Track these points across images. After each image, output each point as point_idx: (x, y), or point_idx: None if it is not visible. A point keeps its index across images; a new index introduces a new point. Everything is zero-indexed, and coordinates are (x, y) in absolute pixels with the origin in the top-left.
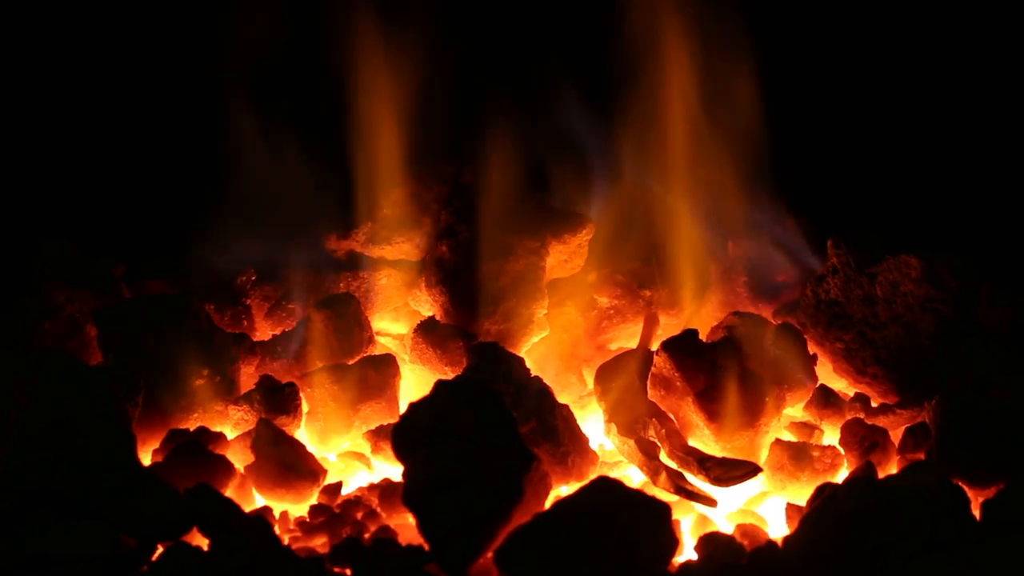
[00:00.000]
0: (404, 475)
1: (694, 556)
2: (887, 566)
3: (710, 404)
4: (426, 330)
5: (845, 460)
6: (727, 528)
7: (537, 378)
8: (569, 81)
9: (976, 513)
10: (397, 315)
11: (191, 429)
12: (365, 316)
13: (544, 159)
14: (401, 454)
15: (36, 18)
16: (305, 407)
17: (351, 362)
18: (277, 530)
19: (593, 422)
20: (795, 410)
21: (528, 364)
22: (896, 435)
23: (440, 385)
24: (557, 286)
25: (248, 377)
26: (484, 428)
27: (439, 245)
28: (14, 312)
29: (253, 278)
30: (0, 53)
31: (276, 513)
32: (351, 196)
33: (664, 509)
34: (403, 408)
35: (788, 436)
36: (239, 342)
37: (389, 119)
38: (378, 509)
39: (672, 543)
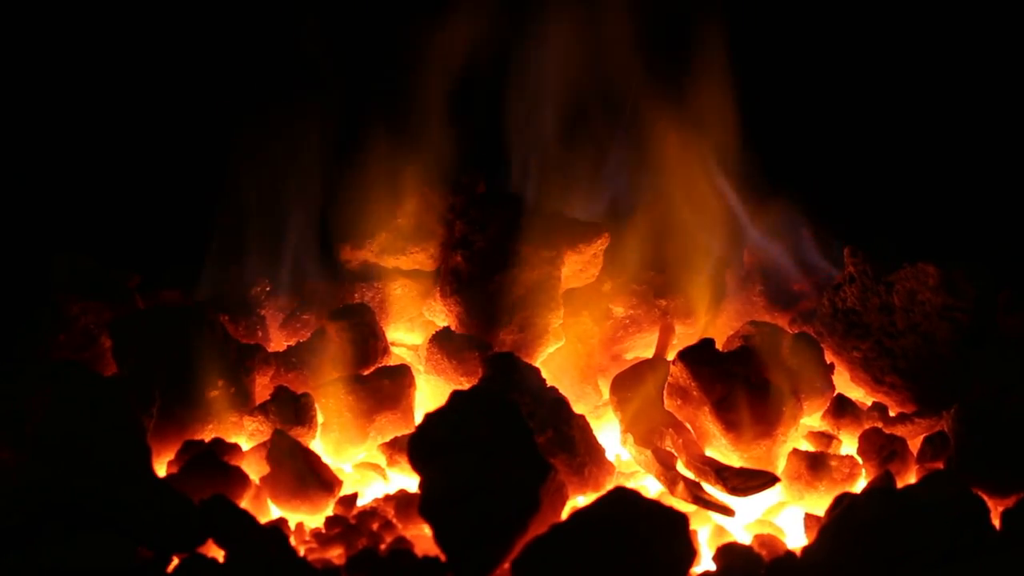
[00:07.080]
0: (420, 486)
1: (712, 567)
2: None
3: (727, 414)
4: (441, 340)
5: (863, 470)
6: (745, 538)
7: (553, 388)
8: (583, 92)
9: (996, 523)
10: (412, 325)
11: (206, 440)
12: (380, 326)
13: (559, 169)
14: (417, 465)
15: (51, 37)
16: (320, 418)
17: (366, 372)
18: (293, 541)
19: (609, 432)
20: (812, 420)
21: (544, 374)
22: (915, 444)
23: (456, 396)
24: (572, 296)
25: (263, 388)
26: (500, 439)
27: (454, 255)
28: (28, 324)
29: (267, 289)
30: (16, 67)
31: (292, 524)
32: (365, 206)
33: (681, 519)
34: (418, 419)
35: (806, 446)
36: (254, 353)
37: (404, 129)
38: (394, 520)
39: (690, 553)
